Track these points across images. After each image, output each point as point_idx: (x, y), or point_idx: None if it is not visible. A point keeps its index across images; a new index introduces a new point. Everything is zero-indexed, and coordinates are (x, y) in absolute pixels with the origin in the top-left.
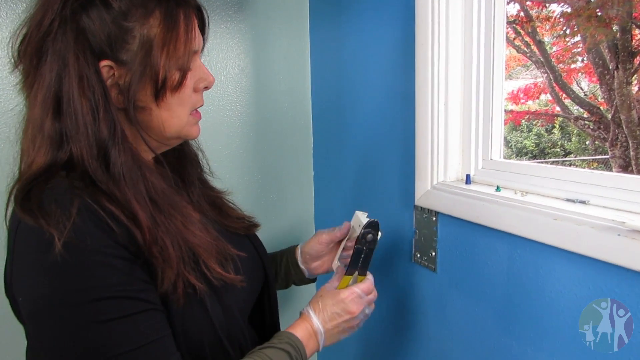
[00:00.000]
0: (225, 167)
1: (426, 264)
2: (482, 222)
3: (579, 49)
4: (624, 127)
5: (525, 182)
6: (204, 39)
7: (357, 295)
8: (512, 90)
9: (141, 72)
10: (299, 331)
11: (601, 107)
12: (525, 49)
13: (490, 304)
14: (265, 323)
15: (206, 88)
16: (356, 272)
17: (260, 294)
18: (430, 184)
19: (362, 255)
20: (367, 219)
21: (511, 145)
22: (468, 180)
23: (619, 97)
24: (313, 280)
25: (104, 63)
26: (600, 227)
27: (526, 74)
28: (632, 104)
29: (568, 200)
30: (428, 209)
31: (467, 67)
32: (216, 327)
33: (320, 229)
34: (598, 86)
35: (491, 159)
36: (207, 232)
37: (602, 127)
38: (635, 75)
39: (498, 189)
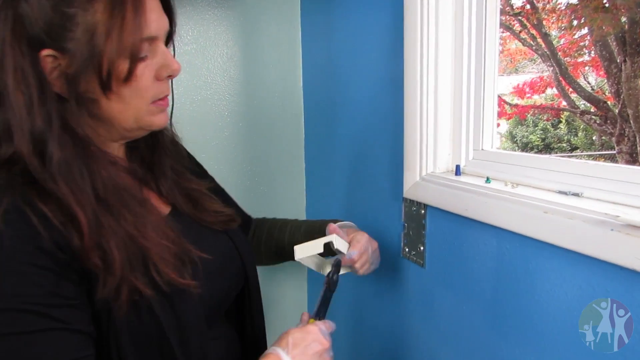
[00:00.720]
0: (213, 158)
1: (415, 259)
2: (470, 215)
3: (586, 42)
4: (631, 122)
5: (517, 173)
6: (172, 23)
7: (324, 329)
8: (518, 84)
9: (84, 62)
10: None
11: (608, 102)
12: (531, 42)
13: (478, 302)
14: (245, 325)
15: (170, 76)
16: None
17: (241, 294)
18: (419, 175)
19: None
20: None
21: (517, 140)
22: (458, 171)
23: (627, 91)
24: None
25: (46, 52)
26: (592, 221)
27: (532, 68)
28: None
29: (560, 192)
30: (417, 202)
31: (458, 52)
32: (167, 335)
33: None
34: (605, 80)
35: (482, 149)
36: (163, 233)
37: (608, 121)
38: None
39: (488, 180)
